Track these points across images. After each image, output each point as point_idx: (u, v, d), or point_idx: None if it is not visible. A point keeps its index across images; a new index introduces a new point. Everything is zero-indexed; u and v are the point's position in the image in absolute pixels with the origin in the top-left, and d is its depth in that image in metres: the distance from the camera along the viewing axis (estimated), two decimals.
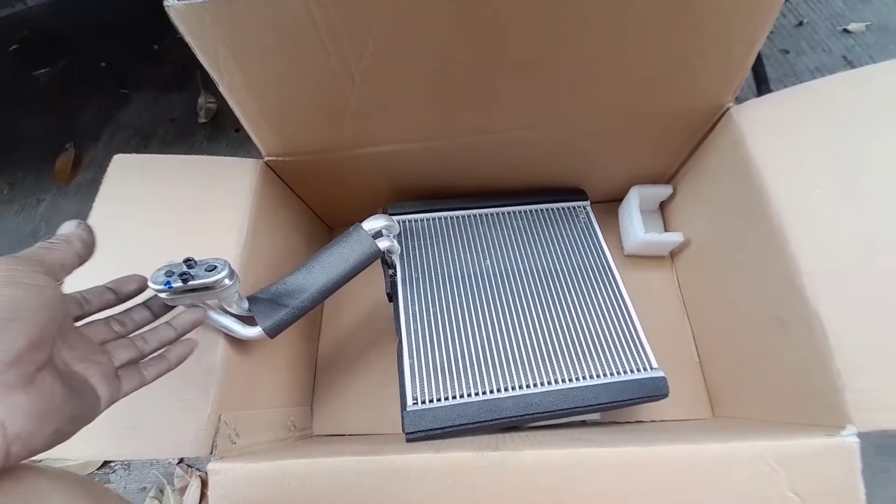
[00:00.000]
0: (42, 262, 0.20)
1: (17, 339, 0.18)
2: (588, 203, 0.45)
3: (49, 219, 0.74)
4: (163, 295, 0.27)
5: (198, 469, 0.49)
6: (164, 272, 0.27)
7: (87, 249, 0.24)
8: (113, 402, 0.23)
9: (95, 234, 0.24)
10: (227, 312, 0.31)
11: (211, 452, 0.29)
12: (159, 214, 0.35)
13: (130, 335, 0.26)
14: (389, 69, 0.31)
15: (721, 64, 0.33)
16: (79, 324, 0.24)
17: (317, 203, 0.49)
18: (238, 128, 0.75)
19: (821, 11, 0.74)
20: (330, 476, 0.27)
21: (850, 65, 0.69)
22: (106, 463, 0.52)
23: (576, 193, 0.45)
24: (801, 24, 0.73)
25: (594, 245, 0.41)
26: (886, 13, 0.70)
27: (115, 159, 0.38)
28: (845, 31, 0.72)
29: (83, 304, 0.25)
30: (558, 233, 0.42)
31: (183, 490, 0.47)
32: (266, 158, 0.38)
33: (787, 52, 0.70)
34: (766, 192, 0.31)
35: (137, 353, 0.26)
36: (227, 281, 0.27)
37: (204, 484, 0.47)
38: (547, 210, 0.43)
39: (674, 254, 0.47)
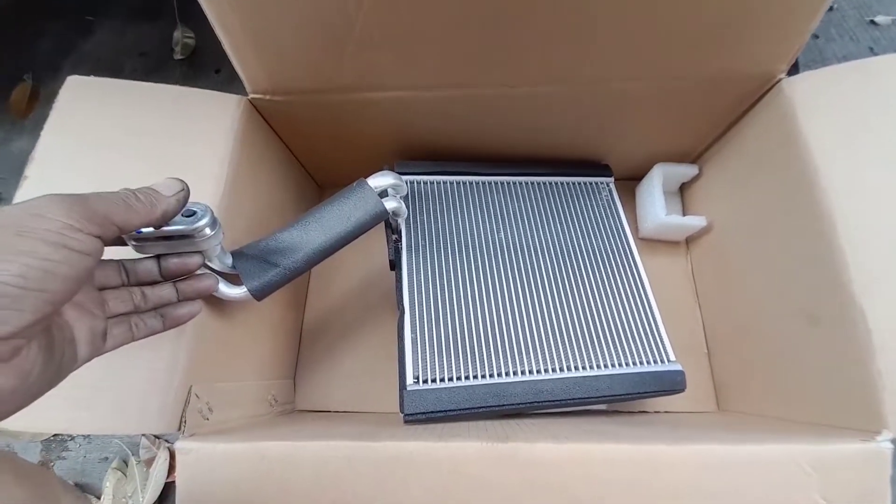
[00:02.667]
0: (107, 218, 0.18)
1: (26, 315, 0.15)
2: (612, 180, 0.41)
3: (2, 156, 0.66)
4: (130, 242, 0.23)
5: (167, 440, 0.45)
6: None
7: (164, 219, 0.21)
8: (89, 360, 0.21)
9: (187, 202, 0.22)
10: (206, 268, 0.27)
11: (179, 429, 0.25)
12: (121, 151, 0.30)
13: (130, 287, 0.23)
14: None
15: (781, 25, 0.29)
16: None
17: (307, 156, 0.43)
18: (219, 68, 0.68)
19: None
20: (317, 463, 0.23)
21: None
22: None
23: (599, 168, 0.41)
24: (831, 9, 0.70)
25: (616, 225, 0.38)
26: None
27: (68, 81, 0.32)
28: (872, 22, 0.70)
29: (121, 275, 0.22)
30: (579, 209, 0.38)
31: (149, 462, 0.43)
32: (251, 96, 0.33)
33: (817, 36, 0.66)
34: (816, 175, 0.28)
35: (132, 308, 0.23)
36: (208, 230, 0.23)
37: (173, 456, 0.44)
38: (568, 184, 0.40)
39: (690, 239, 0.45)
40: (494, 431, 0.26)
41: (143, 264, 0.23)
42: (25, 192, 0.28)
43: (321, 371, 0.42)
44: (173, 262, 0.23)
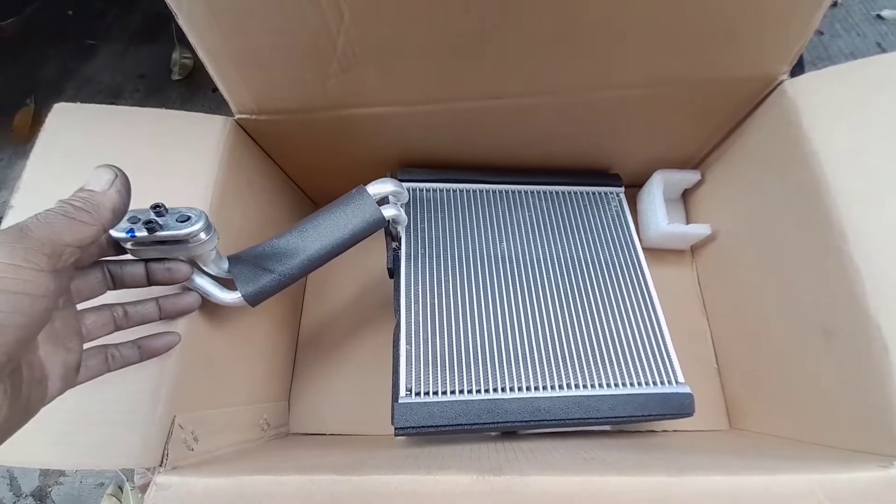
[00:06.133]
0: (55, 243, 0.16)
1: None
2: (622, 190, 0.39)
3: (5, 179, 0.67)
4: (126, 246, 0.22)
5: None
6: (127, 218, 0.22)
7: (116, 217, 0.19)
8: (61, 395, 0.19)
9: (131, 191, 0.20)
10: (202, 272, 0.26)
11: (161, 463, 0.25)
12: None
13: (113, 306, 0.22)
14: (387, 6, 0.25)
15: (780, 24, 0.28)
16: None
17: (301, 175, 0.43)
18: (216, 87, 0.69)
19: None
20: (297, 499, 0.22)
21: (884, 52, 0.64)
22: None
23: (608, 177, 0.40)
24: (835, 4, 0.68)
25: (625, 238, 0.36)
26: None
27: (55, 109, 0.32)
28: (879, 16, 0.68)
29: (106, 282, 0.22)
30: (586, 220, 0.37)
31: (144, 488, 0.43)
32: (237, 116, 0.32)
33: (822, 33, 0.65)
34: (824, 182, 0.27)
35: (112, 329, 0.22)
36: (202, 235, 0.23)
37: None
38: (575, 193, 0.38)
39: (695, 248, 0.43)
40: (487, 461, 0.24)
41: (130, 268, 0.22)
42: (10, 220, 0.28)
43: (316, 391, 0.41)
44: (161, 270, 0.23)
